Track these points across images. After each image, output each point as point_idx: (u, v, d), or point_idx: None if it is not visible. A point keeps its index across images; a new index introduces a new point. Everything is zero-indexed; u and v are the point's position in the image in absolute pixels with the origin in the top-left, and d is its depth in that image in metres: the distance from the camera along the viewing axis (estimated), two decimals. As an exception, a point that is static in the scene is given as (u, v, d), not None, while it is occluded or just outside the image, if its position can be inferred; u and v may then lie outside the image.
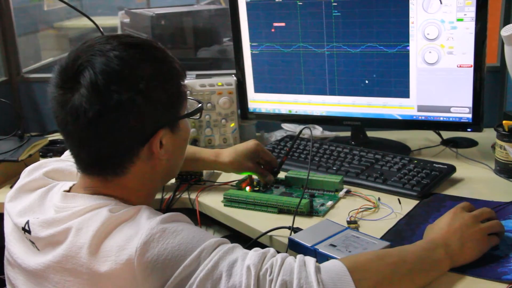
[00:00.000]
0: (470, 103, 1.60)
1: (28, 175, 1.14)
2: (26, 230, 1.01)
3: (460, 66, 1.58)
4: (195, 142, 1.85)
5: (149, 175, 1.03)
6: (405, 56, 1.63)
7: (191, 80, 1.87)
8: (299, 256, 0.93)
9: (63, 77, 0.95)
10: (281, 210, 1.37)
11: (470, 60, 1.56)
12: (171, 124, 1.02)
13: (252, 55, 1.83)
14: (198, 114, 1.12)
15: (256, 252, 0.91)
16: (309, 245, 1.14)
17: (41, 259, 0.98)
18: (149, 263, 0.88)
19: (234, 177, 1.57)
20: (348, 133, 1.86)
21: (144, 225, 0.91)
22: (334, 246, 1.13)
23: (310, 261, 0.92)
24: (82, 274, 0.92)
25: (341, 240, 1.15)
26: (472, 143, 1.81)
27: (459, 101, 1.62)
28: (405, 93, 1.67)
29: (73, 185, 1.06)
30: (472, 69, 1.57)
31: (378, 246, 1.11)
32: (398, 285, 0.98)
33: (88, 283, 0.91)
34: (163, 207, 1.51)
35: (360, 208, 1.35)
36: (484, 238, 1.10)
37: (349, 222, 1.28)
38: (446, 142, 1.81)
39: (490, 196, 1.39)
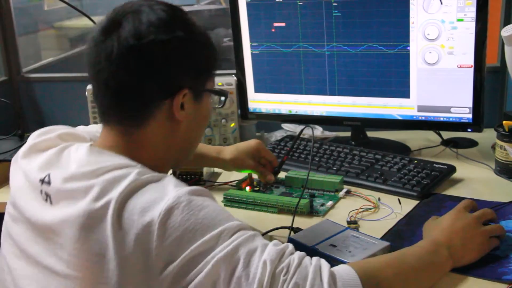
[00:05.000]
0: (470, 103, 1.60)
1: (39, 136, 1.10)
2: (45, 182, 0.98)
3: (460, 66, 1.58)
4: (195, 142, 1.85)
5: (167, 139, 1.03)
6: (405, 56, 1.63)
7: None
8: (316, 260, 0.91)
9: (106, 25, 0.98)
10: (281, 210, 1.37)
11: (470, 60, 1.56)
12: (195, 90, 1.02)
13: (252, 55, 1.83)
14: (222, 100, 1.15)
15: (275, 247, 0.89)
16: (309, 245, 1.14)
17: (57, 212, 0.94)
18: (169, 229, 0.86)
19: (234, 177, 1.57)
20: (348, 133, 1.86)
21: (171, 191, 0.90)
22: (334, 246, 1.13)
23: (325, 268, 0.90)
24: (103, 230, 0.89)
25: (341, 240, 1.15)
26: (472, 143, 1.81)
27: (459, 101, 1.62)
28: (405, 93, 1.67)
29: (93, 143, 1.04)
30: (472, 69, 1.57)
31: (378, 247, 1.11)
32: None
33: (106, 240, 0.88)
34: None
35: (360, 208, 1.35)
36: (486, 241, 1.10)
37: (349, 222, 1.28)
38: (446, 143, 1.81)
39: (490, 196, 1.39)
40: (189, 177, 1.56)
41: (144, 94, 0.99)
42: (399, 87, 1.67)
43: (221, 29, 2.37)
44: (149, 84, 0.98)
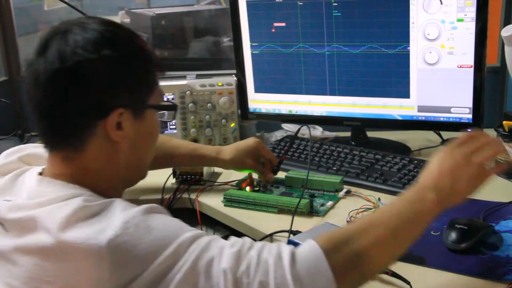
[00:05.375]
0: (470, 104, 1.60)
1: (4, 158, 1.12)
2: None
3: (460, 67, 1.58)
4: (195, 142, 1.85)
5: (111, 161, 0.99)
6: (406, 56, 1.63)
7: (191, 80, 1.87)
8: (275, 247, 0.87)
9: (37, 47, 0.96)
10: (281, 210, 1.37)
11: (471, 61, 1.56)
12: (133, 109, 0.98)
13: (253, 55, 1.83)
14: (169, 113, 1.09)
15: (231, 249, 0.86)
16: (309, 245, 1.14)
17: (9, 241, 0.95)
18: (120, 256, 0.84)
19: (234, 177, 1.57)
20: (348, 134, 1.86)
21: (118, 217, 0.88)
22: (334, 246, 1.13)
23: (285, 252, 0.86)
24: (50, 258, 0.88)
25: (341, 240, 1.15)
26: (472, 143, 1.81)
27: (459, 102, 1.62)
28: (405, 94, 1.67)
29: (43, 169, 1.03)
30: (472, 69, 1.57)
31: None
32: (383, 255, 0.92)
33: (54, 268, 0.88)
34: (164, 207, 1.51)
35: (360, 209, 1.35)
36: (479, 172, 1.00)
37: (349, 222, 1.28)
38: (445, 142, 1.81)
39: (490, 196, 1.38)
40: (190, 177, 1.56)
41: (75, 117, 0.95)
42: (399, 87, 1.67)
43: (210, 37, 2.37)
44: (78, 107, 0.94)
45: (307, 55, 1.75)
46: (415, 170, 1.50)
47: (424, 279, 1.06)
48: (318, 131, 1.98)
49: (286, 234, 1.24)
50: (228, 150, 1.50)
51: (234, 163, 1.50)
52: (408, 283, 1.01)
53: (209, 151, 1.51)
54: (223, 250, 0.86)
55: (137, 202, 1.49)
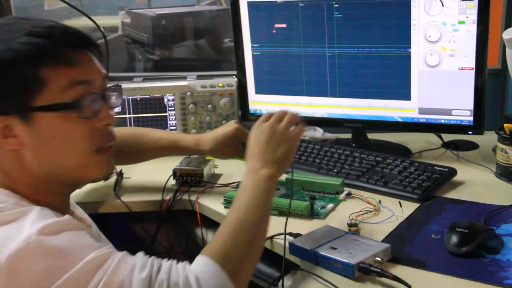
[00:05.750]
0: (471, 106, 1.60)
1: None
2: None
3: (461, 69, 1.58)
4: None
5: (22, 167, 0.95)
6: (407, 58, 1.63)
7: (191, 81, 1.86)
8: (181, 269, 0.89)
9: None
10: (282, 213, 1.36)
11: (472, 63, 1.56)
12: (20, 114, 0.91)
13: (253, 56, 1.82)
14: (95, 105, 0.96)
15: (141, 273, 0.85)
16: (309, 248, 1.14)
17: None
18: (19, 276, 0.80)
19: (235, 178, 1.57)
20: (349, 135, 1.86)
21: (25, 229, 0.83)
22: (335, 248, 1.12)
23: (192, 278, 0.88)
24: None
25: (342, 243, 1.15)
26: (473, 146, 1.81)
27: (460, 104, 1.61)
28: (406, 95, 1.67)
29: None
30: (473, 71, 1.56)
31: (379, 248, 1.11)
32: (260, 243, 1.04)
33: None
34: (163, 209, 1.50)
35: (361, 211, 1.34)
36: (288, 136, 1.15)
37: (350, 225, 1.28)
38: (447, 145, 1.80)
39: (491, 200, 1.39)
40: (190, 178, 1.56)
41: None
42: (400, 89, 1.67)
43: (210, 37, 2.36)
44: None
45: (308, 57, 1.75)
46: (415, 173, 1.50)
47: (424, 282, 1.06)
48: (318, 132, 1.98)
49: (287, 236, 1.23)
50: (206, 141, 1.47)
51: (214, 153, 1.49)
52: (409, 286, 1.00)
53: (189, 143, 1.49)
54: (132, 275, 0.84)
55: (135, 204, 1.52)
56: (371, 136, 1.85)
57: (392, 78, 1.67)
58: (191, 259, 0.95)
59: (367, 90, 1.71)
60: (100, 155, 1.00)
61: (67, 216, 0.91)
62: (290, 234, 1.23)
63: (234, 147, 1.47)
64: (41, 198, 0.96)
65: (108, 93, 1.01)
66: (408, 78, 1.64)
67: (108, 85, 1.02)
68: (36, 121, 0.92)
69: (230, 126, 1.47)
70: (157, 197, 1.53)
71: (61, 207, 1.00)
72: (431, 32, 1.58)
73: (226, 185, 1.56)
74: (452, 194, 1.45)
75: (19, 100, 0.91)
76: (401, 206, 1.37)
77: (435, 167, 1.52)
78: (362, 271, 1.06)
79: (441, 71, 1.60)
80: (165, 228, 1.54)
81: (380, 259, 1.09)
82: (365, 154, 1.64)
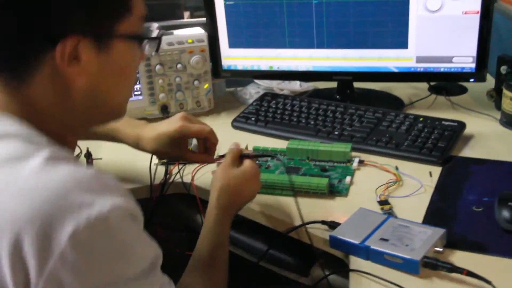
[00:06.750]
0: (474, 52, 1.49)
1: None
2: None
3: (465, 13, 1.45)
4: (165, 108, 1.63)
5: (63, 96, 0.80)
6: (404, 3, 1.47)
7: (155, 38, 1.62)
8: None
9: None
10: (298, 192, 1.21)
11: (477, 6, 1.43)
12: (95, 37, 0.79)
13: (226, 6, 1.60)
14: (150, 45, 0.90)
15: None
16: (357, 242, 1.00)
17: None
18: (88, 251, 0.69)
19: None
20: (328, 84, 1.72)
21: (105, 197, 0.71)
22: (386, 240, 1.00)
23: None
24: None
25: (390, 231, 1.02)
26: (462, 89, 1.72)
27: (462, 51, 1.50)
28: (403, 44, 1.52)
29: None
30: (478, 15, 1.44)
31: (435, 236, 0.99)
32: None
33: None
34: (154, 196, 1.31)
35: (387, 183, 1.22)
36: (249, 177, 1.12)
37: (380, 203, 1.16)
38: (436, 90, 1.70)
39: (510, 155, 1.31)
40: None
41: (16, 37, 0.76)
42: (396, 37, 1.52)
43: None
44: (21, 25, 0.75)
45: (291, 5, 1.55)
46: (425, 131, 1.39)
47: (499, 271, 0.94)
48: (295, 84, 1.81)
49: (320, 225, 1.09)
50: (147, 140, 1.24)
51: (157, 155, 1.31)
52: (489, 282, 0.89)
53: (128, 139, 1.27)
54: None
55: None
56: (355, 85, 1.70)
57: (388, 26, 1.51)
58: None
59: (359, 39, 1.55)
60: None
61: None
62: (324, 222, 1.09)
63: (179, 149, 1.25)
64: (70, 143, 0.86)
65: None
66: (406, 25, 1.50)
67: None
68: (111, 48, 0.81)
69: (174, 124, 1.23)
70: (143, 181, 1.33)
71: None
72: (431, -27, 1.43)
73: (221, 157, 1.34)
74: (467, 152, 1.36)
75: (105, 24, 0.80)
76: (431, 175, 1.25)
77: (443, 122, 1.42)
78: (428, 266, 0.94)
79: (443, 16, 1.47)
80: (160, 218, 1.35)
81: (441, 250, 0.97)
82: (362, 111, 1.51)
